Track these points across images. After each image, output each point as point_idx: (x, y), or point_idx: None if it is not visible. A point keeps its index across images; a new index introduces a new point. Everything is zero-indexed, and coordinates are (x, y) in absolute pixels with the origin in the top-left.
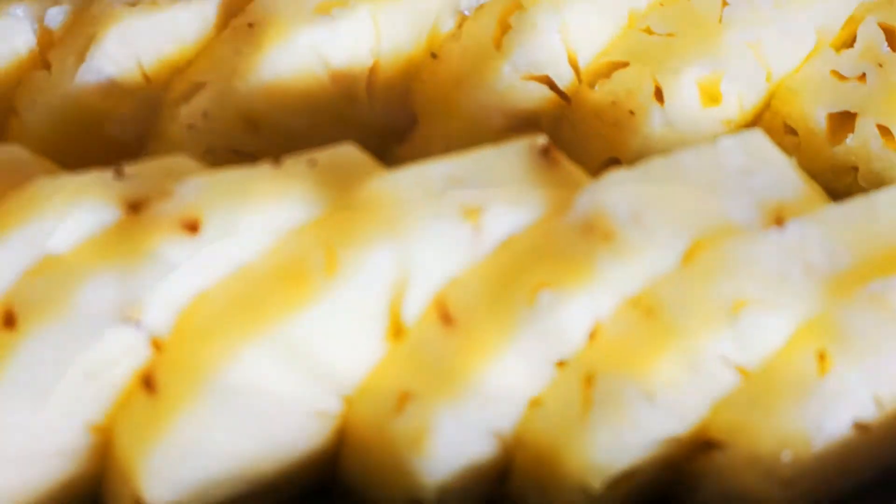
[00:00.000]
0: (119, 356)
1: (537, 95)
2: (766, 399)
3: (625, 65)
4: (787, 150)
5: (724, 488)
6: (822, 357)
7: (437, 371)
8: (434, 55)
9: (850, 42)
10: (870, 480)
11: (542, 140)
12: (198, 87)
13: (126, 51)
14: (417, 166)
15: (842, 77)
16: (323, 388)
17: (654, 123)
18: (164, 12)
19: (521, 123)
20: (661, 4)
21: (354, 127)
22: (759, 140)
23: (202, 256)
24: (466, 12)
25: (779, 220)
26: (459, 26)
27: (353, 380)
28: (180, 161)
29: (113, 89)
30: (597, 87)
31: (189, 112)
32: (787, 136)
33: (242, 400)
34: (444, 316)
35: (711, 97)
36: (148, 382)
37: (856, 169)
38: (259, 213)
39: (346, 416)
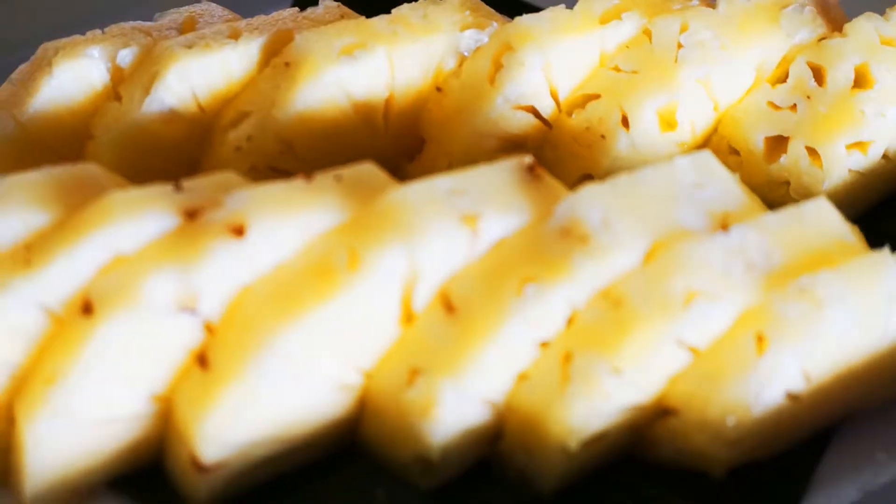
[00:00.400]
0: (178, 338)
1: (524, 122)
2: (713, 374)
3: (597, 97)
4: (731, 167)
5: (679, 448)
6: (759, 339)
7: (441, 351)
8: (439, 89)
9: (783, 78)
10: (800, 441)
11: (528, 159)
12: (243, 116)
13: (184, 85)
14: (425, 181)
15: (776, 107)
16: (346, 364)
17: (621, 146)
18: (216, 53)
19: (510, 145)
20: (627, 47)
21: (373, 148)
22: (708, 159)
23: (247, 256)
24: (466, 53)
25: (724, 226)
26: (460, 65)
27: (371, 358)
28: (229, 177)
29: (173, 117)
30: (574, 116)
31: (236, 136)
32: (731, 155)
33: (280, 375)
34: (447, 305)
35: (668, 124)
36: (202, 360)
37: (788, 183)
38: (294, 220)
39: (365, 388)
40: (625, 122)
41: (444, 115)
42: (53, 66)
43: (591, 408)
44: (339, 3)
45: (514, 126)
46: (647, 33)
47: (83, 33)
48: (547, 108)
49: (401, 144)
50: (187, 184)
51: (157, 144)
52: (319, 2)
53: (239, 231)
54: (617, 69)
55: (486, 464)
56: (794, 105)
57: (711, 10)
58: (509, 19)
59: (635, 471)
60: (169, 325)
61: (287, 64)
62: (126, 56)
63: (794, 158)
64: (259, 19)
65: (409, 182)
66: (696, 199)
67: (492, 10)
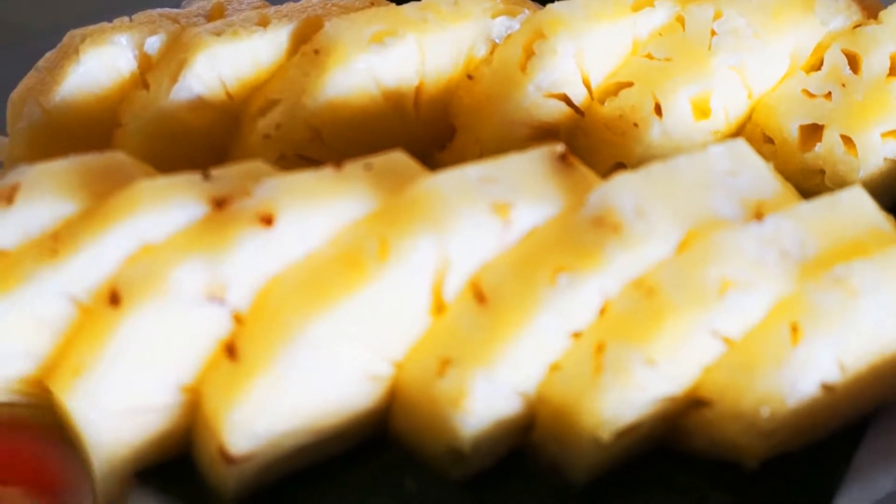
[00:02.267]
0: (206, 328)
1: (556, 110)
2: (748, 364)
3: (630, 85)
4: (766, 156)
5: (712, 439)
6: (794, 329)
7: (472, 341)
8: (470, 76)
9: (818, 66)
10: (835, 431)
11: (560, 147)
12: (272, 104)
13: (212, 73)
14: (456, 169)
15: (811, 95)
16: (376, 355)
17: (654, 134)
18: (245, 40)
19: (542, 133)
20: (660, 34)
21: (403, 136)
22: (742, 148)
23: (276, 245)
24: (497, 40)
25: (758, 215)
26: (491, 52)
27: (401, 348)
28: (257, 165)
29: (201, 105)
30: (606, 104)
31: (265, 124)
32: (765, 144)
33: (309, 365)
34: (479, 295)
35: (702, 112)
36: (230, 350)
37: (823, 172)
38: (323, 209)
39: (396, 379)
40: (658, 110)
41: (475, 102)
42: (80, 53)
43: (624, 398)
44: None
45: (545, 114)
46: (681, 20)
47: (110, 20)
48: (579, 95)
49: (431, 132)
50: (215, 172)
51: (185, 132)
52: None
53: (268, 220)
54: (650, 57)
55: (517, 455)
56: (829, 93)
57: None
58: (541, 6)
59: (668, 461)
60: (197, 316)
61: (316, 51)
62: (154, 43)
63: (828, 147)
64: (288, 6)
65: (440, 170)
66: (730, 188)
67: None
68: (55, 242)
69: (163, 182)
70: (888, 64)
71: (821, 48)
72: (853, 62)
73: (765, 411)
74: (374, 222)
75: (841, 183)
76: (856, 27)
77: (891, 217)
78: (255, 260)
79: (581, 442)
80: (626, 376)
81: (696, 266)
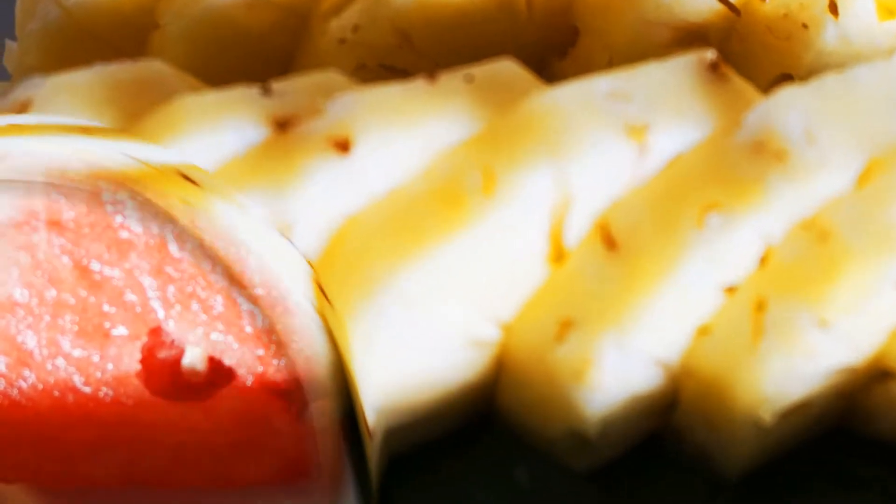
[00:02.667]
0: None
1: (706, 8)
2: None
3: None
4: None
5: None
6: None
7: (600, 298)
8: None
9: None
10: None
11: (710, 54)
12: (349, 0)
13: None
14: (579, 82)
15: None
16: (480, 315)
17: (828, 37)
18: None
19: (688, 37)
20: None
21: (513, 41)
22: None
23: (354, 176)
24: None
25: None
26: None
27: (511, 306)
28: (330, 77)
29: (258, 2)
30: (768, 0)
31: (340, 26)
32: None
33: (395, 328)
34: (608, 239)
35: (889, 10)
36: None
37: None
38: (413, 132)
39: (504, 344)
40: (833, 7)
41: None
42: None
43: (791, 369)
44: None
45: (691, 13)
46: None
47: None
48: None
49: (548, 36)
50: (277, 86)
51: (240, 36)
52: None
53: (343, 146)
54: None
55: (655, 441)
56: None
57: None
58: None
59: (845, 448)
60: None
61: None
62: None
63: None
64: None
65: (559, 83)
66: None
67: None
68: None
69: (212, 98)
70: None
71: None
72: None
73: None
74: (476, 149)
75: None
76: None
77: None
78: (327, 195)
79: (736, 424)
80: (792, 341)
81: (881, 203)
